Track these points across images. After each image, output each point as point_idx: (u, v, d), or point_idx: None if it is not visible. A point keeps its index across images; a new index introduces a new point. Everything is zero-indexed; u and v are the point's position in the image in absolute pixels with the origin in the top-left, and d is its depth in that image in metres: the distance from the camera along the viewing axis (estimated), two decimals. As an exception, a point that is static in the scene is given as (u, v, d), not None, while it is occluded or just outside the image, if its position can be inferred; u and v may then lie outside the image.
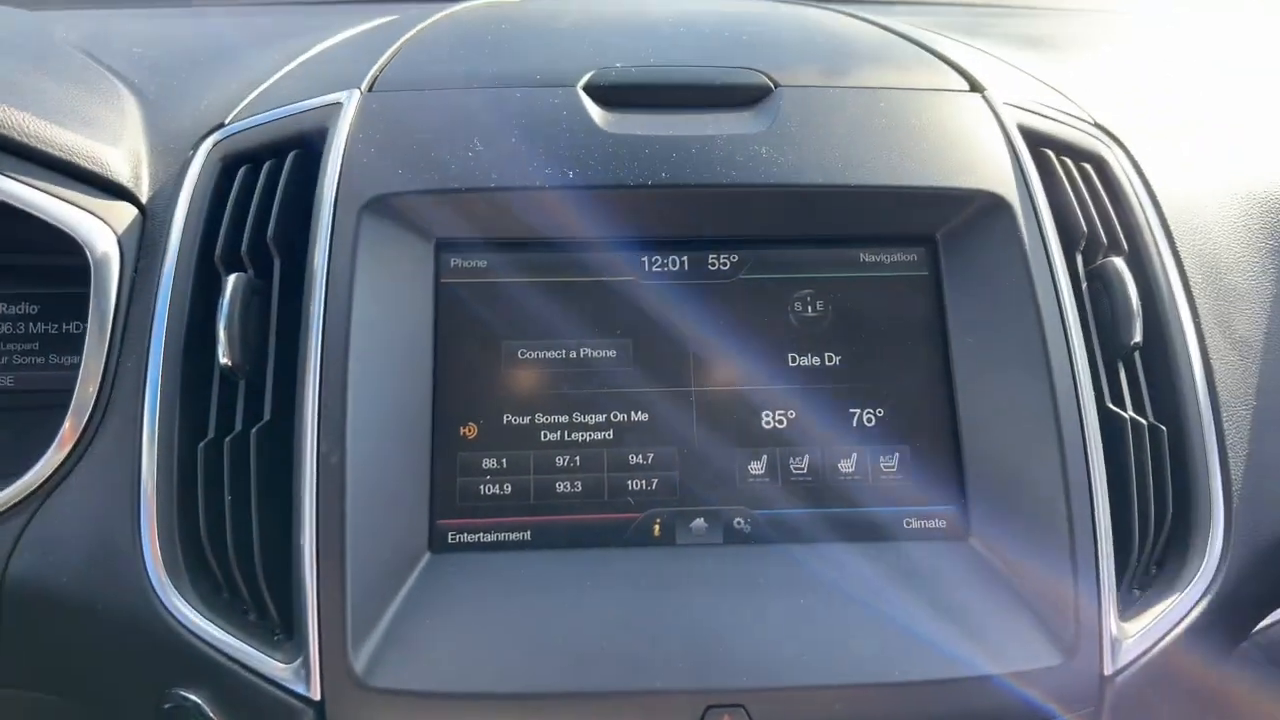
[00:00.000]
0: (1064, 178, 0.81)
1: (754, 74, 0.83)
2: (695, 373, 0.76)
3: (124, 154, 0.81)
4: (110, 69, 0.95)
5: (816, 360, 0.77)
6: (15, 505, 0.73)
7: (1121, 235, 0.81)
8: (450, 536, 0.72)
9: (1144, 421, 0.75)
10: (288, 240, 0.76)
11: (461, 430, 0.73)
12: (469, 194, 0.74)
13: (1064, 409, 0.71)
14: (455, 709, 0.63)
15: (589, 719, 0.64)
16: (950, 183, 0.77)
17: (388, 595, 0.67)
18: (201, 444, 0.71)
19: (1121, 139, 0.87)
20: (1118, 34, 1.30)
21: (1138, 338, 0.76)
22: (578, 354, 0.76)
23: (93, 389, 0.74)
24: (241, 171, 0.79)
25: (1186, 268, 0.81)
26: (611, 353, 0.76)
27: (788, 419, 0.75)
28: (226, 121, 0.85)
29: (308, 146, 0.79)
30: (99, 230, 0.77)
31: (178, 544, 0.70)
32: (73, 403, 0.74)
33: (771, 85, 0.82)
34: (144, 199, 0.81)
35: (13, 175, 0.75)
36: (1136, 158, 0.86)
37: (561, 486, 0.73)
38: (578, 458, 0.74)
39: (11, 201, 0.74)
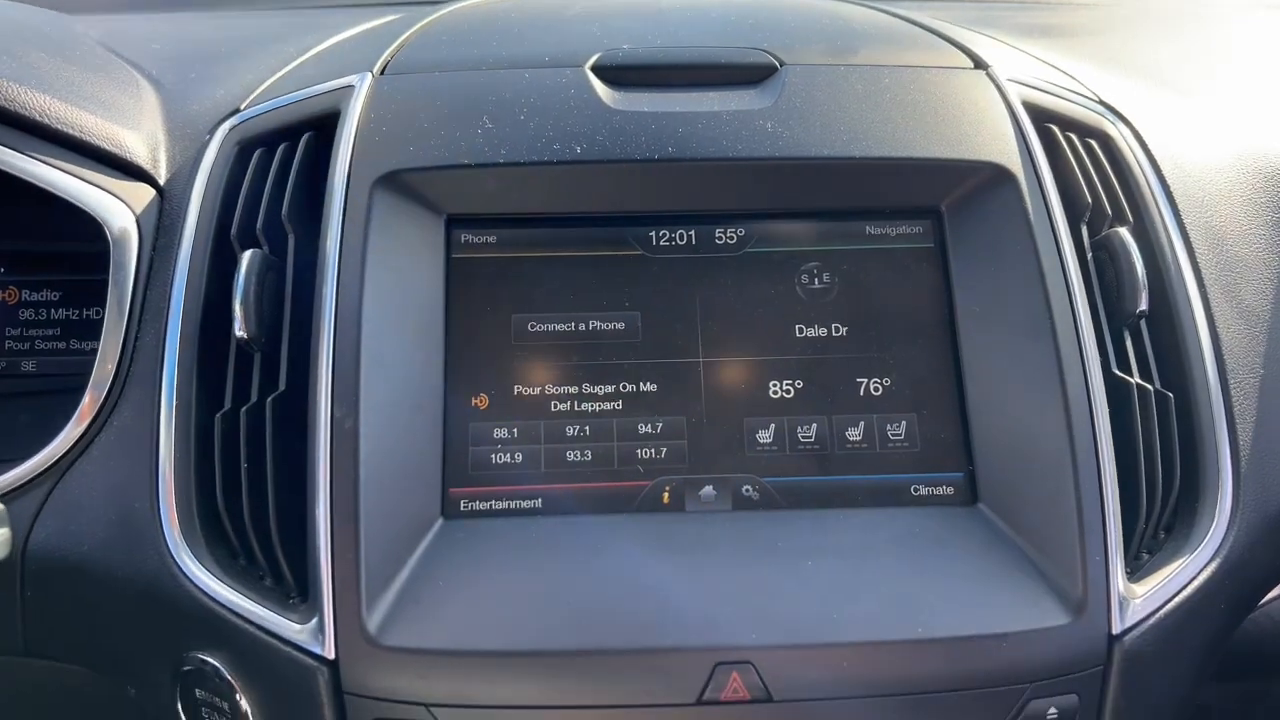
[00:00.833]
0: (1068, 151, 0.82)
1: (759, 53, 0.84)
2: (703, 344, 0.77)
3: (142, 137, 0.83)
4: (129, 61, 0.97)
5: (823, 331, 0.77)
6: (36, 477, 0.74)
7: (1126, 207, 0.82)
8: (462, 504, 0.72)
9: (1150, 387, 0.75)
10: (301, 217, 0.77)
11: (473, 400, 0.75)
12: (478, 169, 0.75)
13: (1070, 374, 0.71)
14: (465, 666, 0.64)
15: (599, 676, 0.65)
16: (954, 154, 0.78)
17: (401, 558, 0.68)
18: (218, 414, 0.72)
19: (1126, 115, 0.88)
20: (1124, 23, 1.31)
21: (1143, 305, 0.76)
22: (587, 326, 0.77)
23: (111, 364, 0.76)
24: (257, 154, 0.81)
25: (1192, 238, 0.81)
26: (620, 325, 0.77)
27: (795, 389, 0.76)
28: (242, 107, 0.86)
29: (321, 128, 0.81)
30: (117, 209, 0.78)
31: (195, 512, 0.71)
32: (92, 377, 0.76)
33: (777, 64, 0.83)
34: (161, 180, 0.83)
35: (34, 155, 0.77)
36: (1141, 132, 0.87)
37: (572, 455, 0.74)
38: (587, 427, 0.75)
39: (33, 180, 0.76)
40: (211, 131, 0.84)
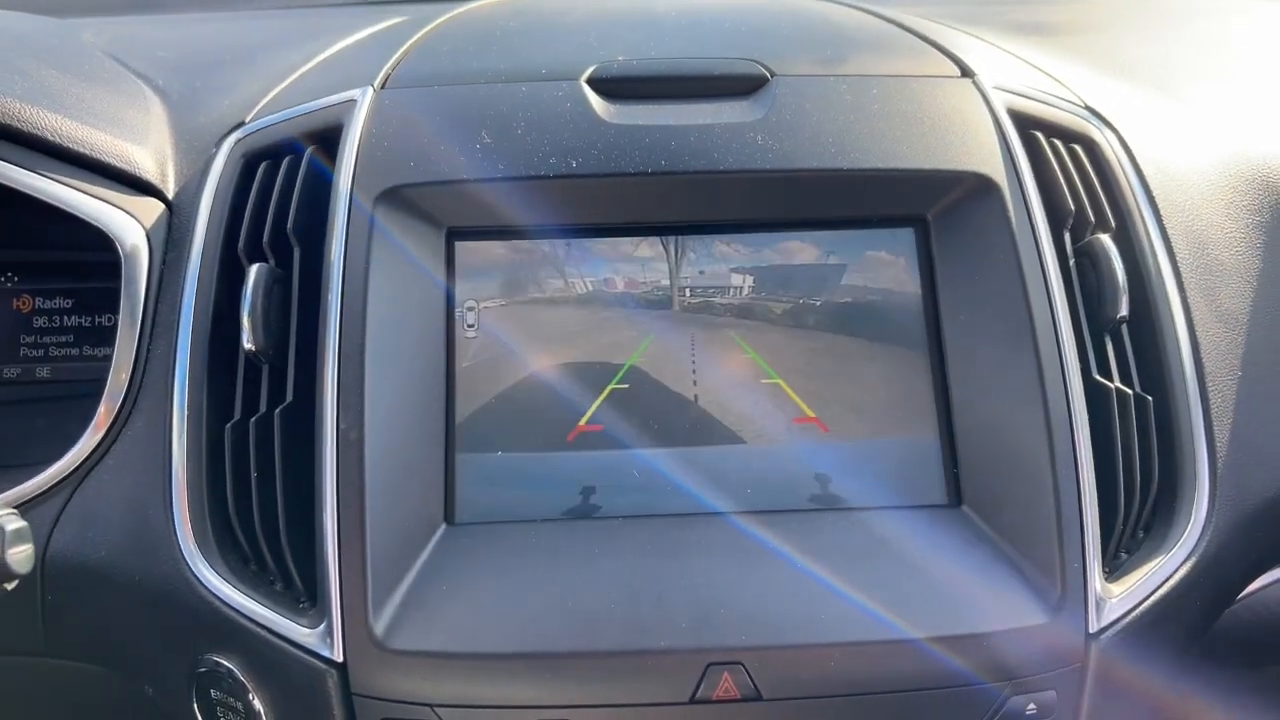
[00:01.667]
0: (1053, 159, 0.84)
1: (751, 64, 0.86)
2: (694, 348, 0.79)
3: (150, 152, 0.86)
4: (136, 71, 1.00)
5: (810, 337, 0.80)
6: (55, 485, 0.77)
7: (1109, 213, 0.84)
8: (463, 510, 0.75)
9: (1130, 391, 0.77)
10: (306, 231, 0.79)
11: (474, 410, 0.77)
12: (477, 184, 0.77)
13: (1050, 380, 0.74)
14: (469, 668, 0.67)
15: (596, 677, 0.67)
16: (940, 165, 0.80)
17: (405, 564, 0.71)
18: (228, 425, 0.75)
19: (1111, 120, 0.90)
20: (1115, 19, 1.32)
21: (1124, 311, 0.78)
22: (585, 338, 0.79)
23: (125, 375, 0.79)
24: (262, 167, 0.83)
25: (1174, 243, 0.83)
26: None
27: (784, 394, 0.79)
28: (247, 120, 0.89)
29: (324, 142, 0.83)
30: (129, 225, 0.81)
31: (207, 519, 0.74)
32: (106, 388, 0.78)
33: (768, 75, 0.85)
34: (170, 195, 0.85)
35: (49, 174, 0.79)
36: (1126, 138, 0.88)
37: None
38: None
39: (48, 199, 0.79)
40: (218, 144, 0.87)
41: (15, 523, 0.66)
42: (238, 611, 0.71)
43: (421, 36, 0.97)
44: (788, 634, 0.67)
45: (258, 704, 0.72)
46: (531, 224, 0.80)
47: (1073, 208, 0.82)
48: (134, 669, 0.81)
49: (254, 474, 0.73)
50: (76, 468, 0.77)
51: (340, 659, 0.68)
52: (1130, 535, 0.76)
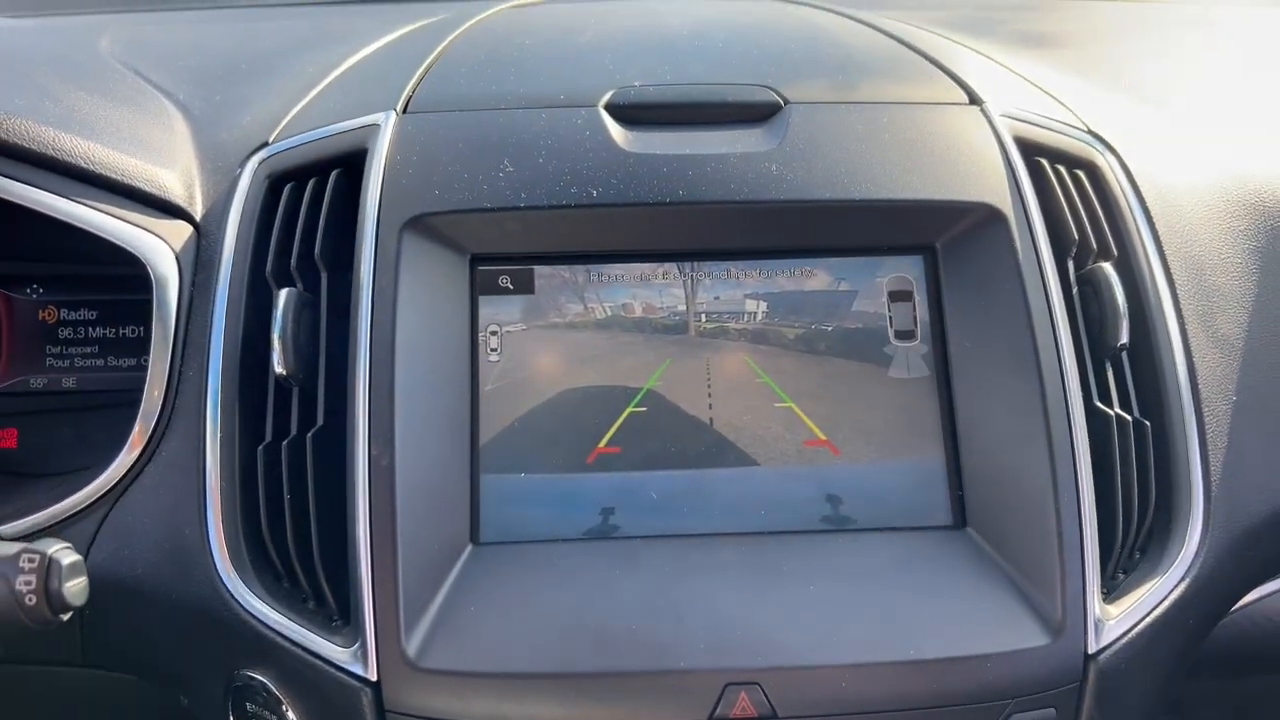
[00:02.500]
0: (1057, 186, 0.86)
1: (764, 91, 0.88)
2: (710, 373, 0.82)
3: (178, 174, 0.87)
4: (157, 86, 1.01)
5: (824, 362, 0.82)
6: (93, 504, 0.79)
7: (1111, 241, 0.86)
8: (489, 531, 0.78)
9: (1129, 417, 0.80)
10: (333, 255, 0.82)
11: (497, 432, 0.80)
12: (500, 213, 0.80)
13: (1053, 408, 0.76)
14: (497, 687, 0.70)
15: (618, 696, 0.70)
16: (949, 195, 0.82)
17: (435, 584, 0.74)
18: (260, 447, 0.77)
19: (1114, 144, 0.92)
20: (1119, 29, 1.34)
21: (1124, 339, 0.81)
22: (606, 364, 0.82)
23: (158, 394, 0.81)
24: (287, 190, 0.85)
25: (1173, 269, 0.86)
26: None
27: (796, 417, 0.81)
28: (270, 140, 0.90)
29: (348, 165, 0.85)
30: (159, 249, 0.83)
31: (242, 539, 0.77)
32: (141, 408, 0.80)
33: (781, 102, 0.87)
34: (198, 217, 0.87)
35: (81, 200, 0.81)
36: (1127, 162, 0.91)
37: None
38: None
39: (80, 224, 0.81)
40: (242, 165, 0.88)
41: (70, 556, 0.68)
42: (272, 629, 0.74)
43: (439, 55, 0.98)
44: (803, 655, 0.70)
45: (293, 717, 0.75)
46: (552, 250, 0.83)
47: (1076, 236, 0.84)
48: (170, 680, 0.84)
49: (286, 496, 0.76)
50: (113, 486, 0.79)
51: (374, 678, 0.71)
52: (1128, 556, 0.80)
